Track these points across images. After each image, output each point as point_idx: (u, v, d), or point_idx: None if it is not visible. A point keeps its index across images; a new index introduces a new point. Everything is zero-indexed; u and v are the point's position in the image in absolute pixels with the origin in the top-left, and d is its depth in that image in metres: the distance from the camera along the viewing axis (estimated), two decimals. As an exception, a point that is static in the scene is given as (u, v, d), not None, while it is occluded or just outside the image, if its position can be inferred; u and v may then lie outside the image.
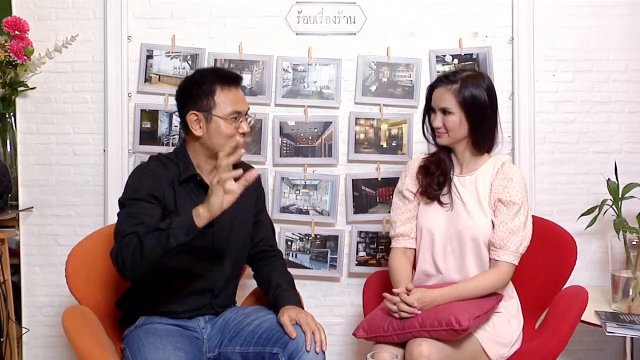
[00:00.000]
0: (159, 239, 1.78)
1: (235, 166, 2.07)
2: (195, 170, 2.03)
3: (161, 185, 1.99)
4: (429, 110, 2.16)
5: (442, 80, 2.10)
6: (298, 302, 2.03)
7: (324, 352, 1.89)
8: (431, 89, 2.14)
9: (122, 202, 1.98)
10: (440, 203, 2.13)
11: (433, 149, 2.25)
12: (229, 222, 2.07)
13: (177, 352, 1.83)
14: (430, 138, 2.19)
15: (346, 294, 2.73)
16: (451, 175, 2.16)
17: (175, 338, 1.91)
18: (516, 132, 2.65)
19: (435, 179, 2.15)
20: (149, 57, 2.64)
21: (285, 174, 2.66)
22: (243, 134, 2.01)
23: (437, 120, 2.09)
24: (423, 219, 2.16)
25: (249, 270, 2.26)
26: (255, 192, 2.20)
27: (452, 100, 2.06)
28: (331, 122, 2.65)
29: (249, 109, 2.05)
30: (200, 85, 2.00)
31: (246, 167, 2.22)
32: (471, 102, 2.05)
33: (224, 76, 2.03)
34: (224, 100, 1.98)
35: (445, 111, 2.07)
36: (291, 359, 1.87)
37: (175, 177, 2.02)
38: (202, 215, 1.77)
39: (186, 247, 1.89)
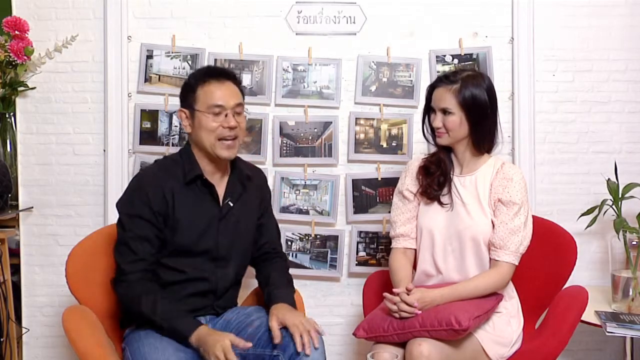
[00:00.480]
0: (154, 318, 1.89)
1: (241, 171, 2.09)
2: (200, 170, 2.03)
3: (163, 195, 1.98)
4: (428, 110, 2.16)
5: (442, 80, 2.10)
6: (290, 300, 2.00)
7: (324, 351, 1.89)
8: (431, 89, 2.14)
9: (120, 218, 2.01)
10: (441, 203, 2.13)
11: (433, 149, 2.24)
12: (233, 227, 2.07)
13: (177, 353, 1.84)
14: (430, 138, 2.19)
15: (346, 294, 2.73)
16: (451, 176, 2.16)
17: (176, 339, 1.92)
18: (516, 132, 2.65)
19: (435, 179, 2.15)
20: (149, 57, 2.64)
21: (285, 174, 2.66)
22: (230, 128, 1.99)
23: (437, 120, 2.09)
24: (423, 219, 2.16)
25: (250, 270, 2.26)
26: (260, 193, 2.20)
27: (453, 100, 2.06)
28: (331, 122, 2.65)
29: (239, 104, 2.03)
30: (187, 83, 2.06)
31: (252, 168, 2.22)
32: (471, 102, 2.05)
33: (206, 71, 2.06)
34: (203, 94, 2.00)
35: (445, 111, 2.07)
36: (292, 360, 1.88)
37: (178, 180, 2.02)
38: (195, 341, 1.84)
39: (190, 252, 1.97)
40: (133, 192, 2.01)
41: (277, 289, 2.04)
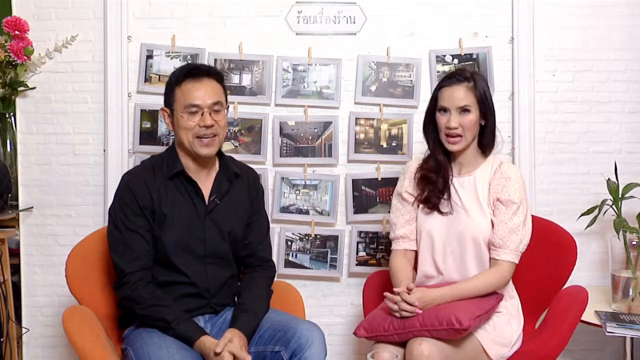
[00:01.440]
0: (161, 321, 1.91)
1: (235, 173, 2.09)
2: (181, 166, 2.05)
3: (148, 191, 2.01)
4: (433, 112, 2.13)
5: (455, 78, 2.07)
6: (246, 329, 1.94)
7: (326, 349, 1.92)
8: (439, 89, 2.11)
9: (112, 218, 2.04)
10: (441, 212, 2.12)
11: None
12: (220, 224, 2.07)
13: (180, 351, 1.84)
14: (431, 140, 2.15)
15: (346, 294, 2.73)
16: (450, 178, 2.15)
17: (178, 338, 1.92)
18: (516, 132, 2.65)
19: (436, 188, 2.12)
20: (149, 57, 2.64)
21: (285, 174, 2.66)
22: (206, 127, 2.00)
23: (454, 120, 2.05)
24: (423, 221, 2.15)
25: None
26: (251, 193, 2.18)
27: (472, 97, 2.05)
28: (331, 122, 2.65)
29: (217, 102, 2.03)
30: (167, 82, 2.08)
31: (243, 167, 2.21)
32: (485, 98, 2.07)
33: (184, 70, 2.06)
34: (181, 94, 2.02)
35: (464, 110, 2.06)
36: (294, 356, 1.88)
37: (163, 177, 2.05)
38: (197, 349, 1.87)
39: (179, 250, 1.99)
40: (121, 192, 2.05)
41: (240, 312, 1.99)
